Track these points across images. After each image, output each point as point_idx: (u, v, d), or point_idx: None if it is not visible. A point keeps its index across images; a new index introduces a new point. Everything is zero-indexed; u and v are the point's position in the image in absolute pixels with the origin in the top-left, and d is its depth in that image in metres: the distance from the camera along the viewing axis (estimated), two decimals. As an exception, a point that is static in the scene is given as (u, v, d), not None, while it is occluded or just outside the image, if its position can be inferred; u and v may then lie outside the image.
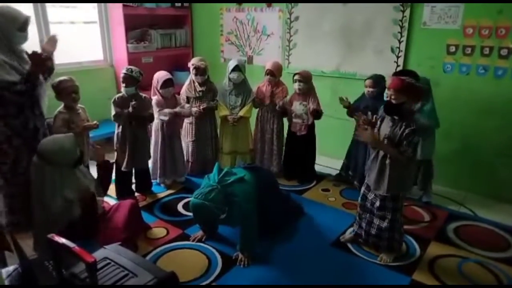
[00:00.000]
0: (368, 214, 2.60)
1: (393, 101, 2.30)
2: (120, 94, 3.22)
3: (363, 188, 2.62)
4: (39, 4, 3.97)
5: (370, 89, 3.25)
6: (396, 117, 2.33)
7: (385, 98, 3.23)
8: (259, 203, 2.58)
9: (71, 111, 2.92)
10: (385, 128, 2.39)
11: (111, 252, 1.73)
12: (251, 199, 2.50)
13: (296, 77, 3.49)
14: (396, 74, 2.99)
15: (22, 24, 2.42)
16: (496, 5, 3.15)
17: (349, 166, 3.60)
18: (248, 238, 2.56)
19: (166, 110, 3.35)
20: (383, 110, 2.42)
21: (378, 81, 3.26)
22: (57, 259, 1.57)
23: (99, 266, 1.59)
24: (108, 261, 1.66)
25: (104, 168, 2.70)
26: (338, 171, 3.77)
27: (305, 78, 3.48)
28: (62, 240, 1.52)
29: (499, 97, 3.26)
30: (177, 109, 3.41)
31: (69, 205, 2.32)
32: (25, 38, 2.48)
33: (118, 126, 3.24)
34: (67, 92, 2.84)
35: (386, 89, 2.40)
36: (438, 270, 2.48)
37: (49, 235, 1.55)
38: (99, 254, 1.69)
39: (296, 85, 3.49)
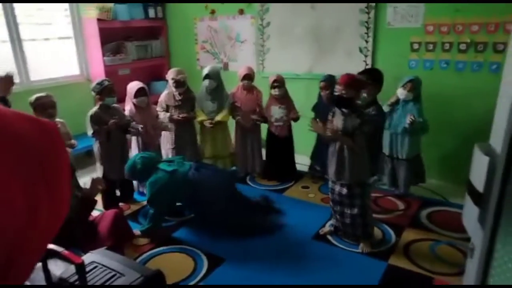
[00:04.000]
0: (338, 206, 2.73)
1: (344, 95, 2.48)
2: (95, 109, 3.21)
3: (329, 182, 2.76)
4: (12, 22, 4.00)
5: (327, 91, 3.44)
6: (346, 110, 2.53)
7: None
8: (199, 199, 2.94)
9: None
10: (338, 121, 2.56)
11: (98, 255, 1.79)
12: (156, 186, 2.87)
13: (275, 83, 3.65)
14: (362, 72, 3.18)
15: None
16: (453, 4, 3.36)
17: (314, 166, 3.81)
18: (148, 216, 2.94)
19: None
20: (334, 104, 2.61)
21: (332, 81, 3.43)
22: (45, 265, 1.62)
23: (87, 269, 1.65)
24: (96, 264, 1.72)
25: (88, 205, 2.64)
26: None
27: (282, 83, 3.66)
28: (50, 245, 1.58)
29: (461, 89, 3.47)
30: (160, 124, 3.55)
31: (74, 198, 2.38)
32: None
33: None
34: (43, 107, 2.90)
35: (336, 85, 2.57)
36: (413, 254, 2.63)
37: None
38: (86, 258, 1.75)
39: (274, 91, 3.66)
